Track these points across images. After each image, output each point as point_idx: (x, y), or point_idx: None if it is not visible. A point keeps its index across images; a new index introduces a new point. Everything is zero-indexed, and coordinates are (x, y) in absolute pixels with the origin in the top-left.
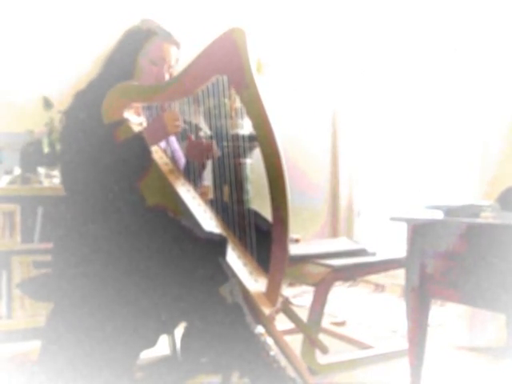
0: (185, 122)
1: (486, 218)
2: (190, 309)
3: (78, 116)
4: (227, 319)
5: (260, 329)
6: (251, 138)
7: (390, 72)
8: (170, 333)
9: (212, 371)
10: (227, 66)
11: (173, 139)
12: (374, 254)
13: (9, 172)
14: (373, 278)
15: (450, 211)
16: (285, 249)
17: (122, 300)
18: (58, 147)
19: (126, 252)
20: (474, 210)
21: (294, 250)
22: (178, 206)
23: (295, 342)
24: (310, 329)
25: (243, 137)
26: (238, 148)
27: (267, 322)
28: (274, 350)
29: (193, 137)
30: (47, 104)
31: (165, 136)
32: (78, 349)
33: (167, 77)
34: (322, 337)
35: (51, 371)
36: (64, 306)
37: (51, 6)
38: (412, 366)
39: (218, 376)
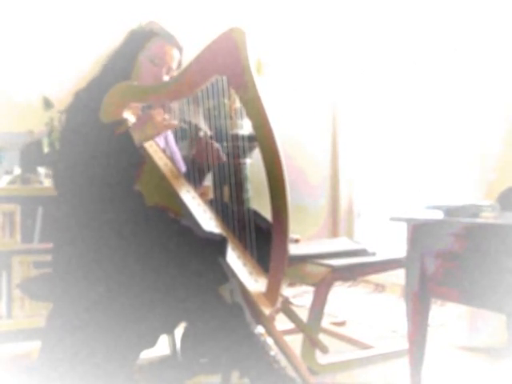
0: (185, 122)
1: (486, 217)
2: (190, 309)
3: (78, 115)
4: (227, 319)
5: (260, 329)
6: (251, 138)
7: (390, 72)
8: (170, 333)
9: (212, 371)
10: (227, 66)
11: (172, 141)
12: (373, 254)
13: (9, 172)
14: (373, 278)
15: (449, 211)
16: (285, 249)
17: (121, 300)
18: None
19: (125, 252)
20: (474, 210)
21: (293, 250)
22: (177, 206)
23: (295, 342)
24: (310, 329)
25: (243, 137)
26: (237, 148)
27: (267, 322)
28: (274, 350)
29: (203, 140)
30: (47, 104)
31: (154, 135)
32: (77, 349)
33: (166, 79)
34: (322, 337)
35: (51, 371)
36: (64, 306)
37: (51, 6)
38: (412, 366)
39: (218, 376)
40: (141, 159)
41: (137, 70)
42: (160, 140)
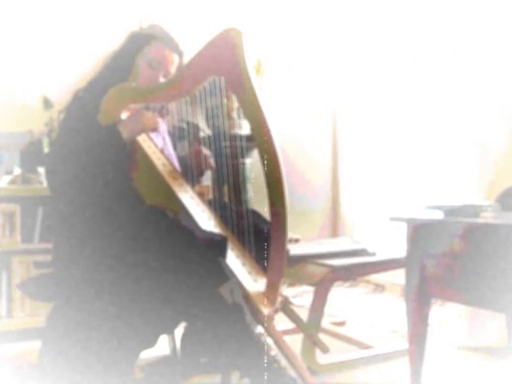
0: (184, 122)
1: (486, 218)
2: (190, 309)
3: (76, 114)
4: (227, 319)
5: (260, 329)
6: (250, 138)
7: (390, 72)
8: (170, 333)
9: (212, 371)
10: (224, 66)
11: (168, 143)
12: (374, 254)
13: (9, 172)
14: (373, 278)
15: (449, 211)
16: (283, 248)
17: (121, 300)
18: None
19: (125, 252)
20: (474, 210)
21: (293, 250)
22: (176, 206)
23: (295, 342)
24: (310, 329)
25: (242, 137)
26: (236, 148)
27: (267, 322)
28: (274, 350)
29: (197, 144)
30: (47, 104)
31: (141, 131)
32: (77, 349)
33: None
34: (322, 337)
35: (51, 371)
36: (64, 306)
37: (52, 6)
38: (412, 366)
39: (218, 376)
40: (130, 154)
41: (134, 73)
42: (158, 140)
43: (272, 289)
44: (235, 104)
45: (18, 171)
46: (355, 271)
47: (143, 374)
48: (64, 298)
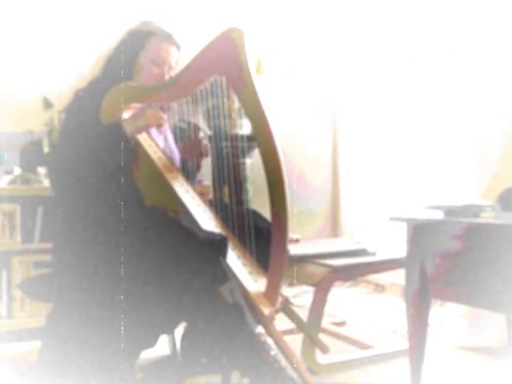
0: (184, 121)
1: (486, 217)
2: (190, 309)
3: (77, 114)
4: (227, 319)
5: (260, 329)
6: (250, 138)
7: (390, 71)
8: (170, 333)
9: (212, 371)
10: (225, 66)
11: (170, 139)
12: (373, 254)
13: (9, 172)
14: (373, 278)
15: (449, 211)
16: (284, 249)
17: (121, 300)
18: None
19: (125, 252)
20: (474, 210)
21: (293, 250)
22: (177, 206)
23: (295, 342)
24: (310, 329)
25: (243, 137)
26: (237, 148)
27: (267, 322)
28: (274, 350)
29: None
30: (47, 104)
31: (145, 127)
32: (77, 349)
33: (167, 78)
34: (322, 337)
35: (51, 371)
36: (64, 306)
37: (52, 6)
38: (412, 366)
39: (218, 376)
40: (133, 150)
41: (138, 72)
42: (160, 140)
43: (272, 289)
44: (236, 104)
45: (18, 171)
46: (355, 271)
47: (143, 373)
48: (64, 299)
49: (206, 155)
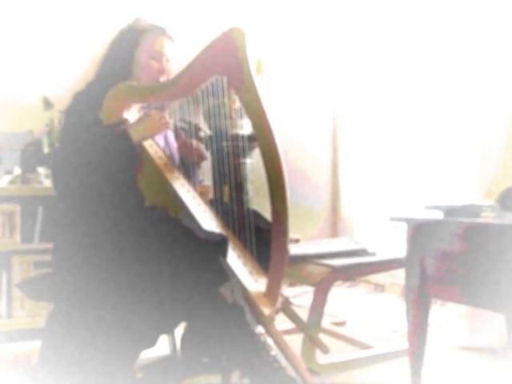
0: (184, 121)
1: (486, 217)
2: (190, 308)
3: (76, 116)
4: (227, 319)
5: (260, 329)
6: (251, 138)
7: (390, 71)
8: (170, 333)
9: (212, 371)
10: (226, 66)
11: (172, 139)
12: (373, 254)
13: (9, 172)
14: (373, 278)
15: (450, 211)
16: (284, 249)
17: (121, 300)
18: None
19: (125, 252)
20: (474, 210)
21: (294, 250)
22: (177, 206)
23: (295, 342)
24: (310, 329)
25: (243, 137)
26: (237, 148)
27: (267, 322)
28: (274, 350)
29: (183, 134)
30: (47, 104)
31: (151, 134)
32: (77, 349)
33: (167, 70)
34: (322, 337)
35: (51, 371)
36: (64, 306)
37: (52, 6)
38: (412, 366)
39: (218, 376)
40: (138, 157)
41: (137, 69)
42: (160, 140)
43: (273, 289)
44: (236, 104)
45: (18, 171)
46: (355, 271)
47: (143, 374)
48: (64, 299)
49: (203, 159)
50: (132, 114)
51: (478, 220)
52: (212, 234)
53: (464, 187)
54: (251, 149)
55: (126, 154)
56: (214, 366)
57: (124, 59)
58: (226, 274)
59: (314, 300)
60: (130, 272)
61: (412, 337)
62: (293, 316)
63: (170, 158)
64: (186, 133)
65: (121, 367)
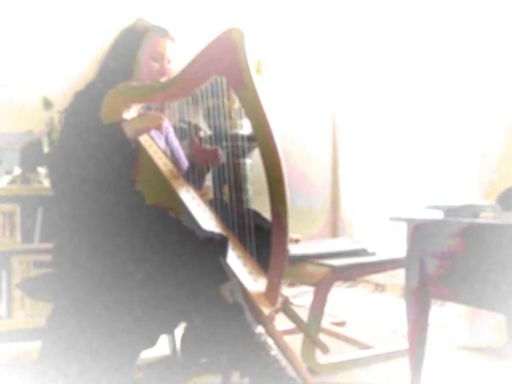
0: (184, 121)
1: (486, 218)
2: (190, 309)
3: (76, 116)
4: (227, 319)
5: (260, 329)
6: (251, 138)
7: (390, 71)
8: (170, 333)
9: (212, 371)
10: (225, 66)
11: (173, 138)
12: (374, 254)
13: (9, 172)
14: (373, 278)
15: (450, 211)
16: (284, 249)
17: (121, 300)
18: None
19: (126, 252)
20: (474, 210)
21: (294, 250)
22: (177, 206)
23: (295, 342)
24: (310, 329)
25: (243, 137)
26: (237, 148)
27: (267, 322)
28: (274, 350)
29: (197, 140)
30: (47, 104)
31: (145, 129)
32: (77, 349)
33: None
34: (322, 337)
35: (51, 371)
36: (64, 306)
37: (52, 6)
38: (412, 366)
39: (218, 376)
40: (134, 153)
41: (138, 69)
42: (160, 140)
43: (272, 289)
44: (236, 104)
45: (18, 171)
46: (355, 271)
47: (143, 373)
48: (64, 298)
49: (218, 162)
50: (131, 115)
51: (478, 220)
52: (212, 233)
53: (464, 187)
54: (251, 149)
55: (120, 150)
56: (213, 366)
57: (125, 59)
58: (225, 274)
59: (314, 300)
60: (130, 272)
61: (412, 337)
62: (293, 316)
63: (171, 159)
64: (185, 133)
65: (121, 367)
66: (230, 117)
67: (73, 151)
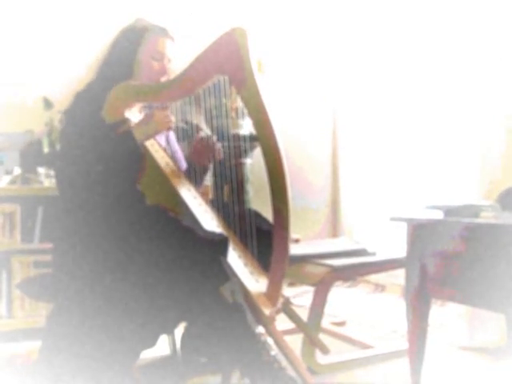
0: (185, 122)
1: (486, 218)
2: (190, 308)
3: (78, 116)
4: (228, 319)
5: (260, 329)
6: (251, 138)
7: (391, 71)
8: (170, 333)
9: (212, 371)
10: (228, 65)
11: (173, 140)
12: (374, 254)
13: (9, 172)
14: (373, 278)
15: (449, 211)
16: (285, 249)
17: (122, 300)
18: (58, 147)
19: (126, 252)
20: (474, 210)
21: (294, 250)
22: (179, 206)
23: (295, 342)
24: (310, 329)
25: (243, 137)
26: (238, 148)
27: (267, 322)
28: (275, 350)
29: (198, 137)
30: (47, 104)
31: (155, 133)
32: (77, 349)
33: (168, 71)
34: (322, 337)
35: (51, 371)
36: (64, 306)
37: (52, 5)
38: (412, 366)
39: (218, 376)
40: (142, 158)
41: (138, 69)
42: (161, 139)
43: (273, 289)
44: (235, 104)
45: (18, 171)
46: (355, 271)
47: (143, 374)
48: (64, 298)
49: (219, 159)
50: (133, 114)
51: (478, 220)
52: (212, 233)
53: (464, 187)
54: (252, 149)
55: (130, 155)
56: (213, 366)
57: (125, 59)
58: (226, 274)
59: (314, 300)
60: (130, 272)
61: (412, 337)
62: (293, 316)
63: (172, 157)
64: (186, 133)
65: (121, 367)
66: (231, 117)
67: (77, 153)
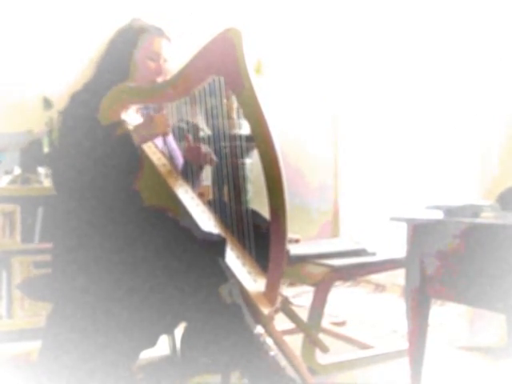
0: (184, 122)
1: (486, 217)
2: (189, 309)
3: (74, 117)
4: (227, 319)
5: (259, 329)
6: (250, 138)
7: (391, 72)
8: (170, 333)
9: (212, 371)
10: (223, 66)
11: (170, 139)
12: (374, 254)
13: (9, 172)
14: (373, 278)
15: (449, 211)
16: (283, 248)
17: (121, 300)
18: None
19: (125, 252)
20: (474, 210)
21: (294, 250)
22: (176, 207)
23: (295, 342)
24: (310, 329)
25: (242, 137)
26: (237, 148)
27: (266, 322)
28: (274, 350)
29: (190, 137)
30: (47, 104)
31: (154, 136)
32: (77, 349)
33: (164, 71)
34: (322, 337)
35: (51, 371)
36: (64, 306)
37: (52, 5)
38: (412, 366)
39: (218, 376)
40: (139, 159)
41: (135, 70)
42: (158, 140)
43: (272, 289)
44: (235, 104)
45: (18, 171)
46: (355, 271)
47: (143, 374)
48: (64, 299)
49: (210, 164)
50: (130, 115)
51: (478, 220)
52: (210, 234)
53: (464, 187)
54: (250, 149)
55: (128, 157)
56: (213, 366)
57: (121, 59)
58: (224, 275)
59: (314, 300)
60: (130, 272)
61: (412, 337)
62: (293, 316)
63: (169, 158)
64: (184, 133)
65: (121, 367)
66: (230, 117)
67: (74, 154)
